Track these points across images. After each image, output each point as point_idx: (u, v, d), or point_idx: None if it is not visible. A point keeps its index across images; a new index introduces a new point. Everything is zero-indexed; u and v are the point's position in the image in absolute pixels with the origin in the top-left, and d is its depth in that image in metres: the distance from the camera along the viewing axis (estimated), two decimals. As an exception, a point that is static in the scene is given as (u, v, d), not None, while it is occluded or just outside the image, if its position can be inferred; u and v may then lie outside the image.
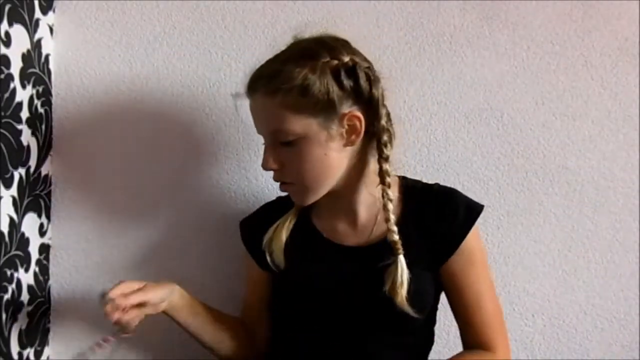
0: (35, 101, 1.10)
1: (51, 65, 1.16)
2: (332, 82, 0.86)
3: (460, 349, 0.99)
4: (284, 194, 0.97)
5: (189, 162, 1.17)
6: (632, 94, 1.17)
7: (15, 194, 1.05)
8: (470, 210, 0.96)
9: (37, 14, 1.10)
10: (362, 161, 0.93)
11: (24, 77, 1.06)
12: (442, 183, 1.01)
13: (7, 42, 1.01)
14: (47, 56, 1.14)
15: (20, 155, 1.06)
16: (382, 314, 0.91)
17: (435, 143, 1.17)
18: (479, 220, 0.95)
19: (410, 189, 0.98)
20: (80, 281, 1.17)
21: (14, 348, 1.05)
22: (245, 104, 0.95)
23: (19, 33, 1.04)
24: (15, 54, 1.03)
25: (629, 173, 1.17)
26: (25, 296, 1.08)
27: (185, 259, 1.17)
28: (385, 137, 0.89)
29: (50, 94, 1.16)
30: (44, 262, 1.15)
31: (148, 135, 1.16)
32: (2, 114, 1.00)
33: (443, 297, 0.99)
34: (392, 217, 0.89)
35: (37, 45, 1.10)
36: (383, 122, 0.89)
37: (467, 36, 1.17)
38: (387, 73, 0.94)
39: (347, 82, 0.87)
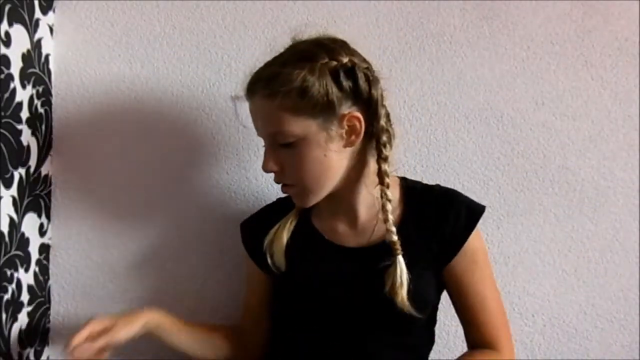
0: (35, 101, 1.10)
1: (51, 65, 1.16)
2: (331, 83, 0.86)
3: (460, 348, 0.99)
4: (284, 195, 0.98)
5: (189, 162, 1.17)
6: (632, 94, 1.17)
7: (15, 194, 1.05)
8: (472, 212, 0.96)
9: (37, 14, 1.10)
10: (361, 162, 0.93)
11: (24, 77, 1.06)
12: (442, 183, 1.01)
13: (7, 42, 1.01)
14: (47, 56, 1.14)
15: (20, 155, 1.06)
16: (383, 314, 0.91)
17: (435, 143, 1.17)
18: (479, 220, 0.95)
19: (411, 189, 0.98)
20: (80, 281, 1.17)
21: (14, 348, 1.05)
22: (244, 105, 0.95)
23: (19, 33, 1.04)
24: (15, 54, 1.03)
25: (629, 173, 1.17)
26: (25, 296, 1.08)
27: (185, 259, 1.17)
28: (384, 138, 0.89)
29: (50, 94, 1.16)
30: (44, 262, 1.15)
31: (148, 135, 1.16)
32: (2, 114, 1.00)
33: (443, 297, 0.99)
34: (391, 218, 0.89)
35: (37, 45, 1.10)
36: (382, 122, 0.89)
37: (467, 36, 1.16)
38: (387, 73, 0.94)
39: (346, 83, 0.87)
